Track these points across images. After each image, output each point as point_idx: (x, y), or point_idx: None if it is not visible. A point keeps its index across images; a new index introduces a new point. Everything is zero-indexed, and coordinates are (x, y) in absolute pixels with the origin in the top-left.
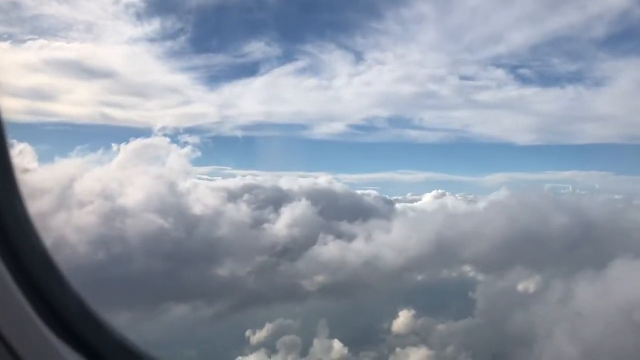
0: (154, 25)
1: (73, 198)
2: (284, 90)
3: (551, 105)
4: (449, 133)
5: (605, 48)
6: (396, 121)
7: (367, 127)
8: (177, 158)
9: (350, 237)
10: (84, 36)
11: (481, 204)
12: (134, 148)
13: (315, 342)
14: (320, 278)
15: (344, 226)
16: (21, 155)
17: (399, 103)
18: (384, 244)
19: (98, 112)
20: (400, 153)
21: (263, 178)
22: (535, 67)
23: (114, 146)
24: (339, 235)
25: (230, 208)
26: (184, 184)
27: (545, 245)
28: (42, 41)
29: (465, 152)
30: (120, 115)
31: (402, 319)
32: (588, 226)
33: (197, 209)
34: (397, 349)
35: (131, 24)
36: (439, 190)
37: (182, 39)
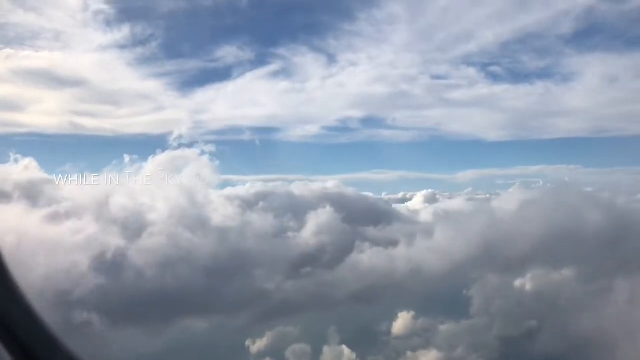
0: (124, 31)
1: (112, 214)
2: (257, 94)
3: (521, 101)
4: (422, 132)
5: (572, 44)
6: (369, 122)
7: (340, 128)
8: (203, 169)
9: (387, 243)
10: (52, 45)
11: (497, 203)
12: (162, 160)
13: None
14: (366, 287)
15: (373, 232)
16: (27, 170)
17: (372, 104)
18: (430, 249)
19: (68, 122)
20: (374, 153)
21: (274, 184)
22: (505, 64)
23: (126, 157)
24: (376, 242)
25: (250, 217)
26: (205, 195)
27: (586, 243)
28: (8, 51)
29: (437, 150)
30: (90, 124)
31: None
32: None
33: (218, 220)
34: None
35: (101, 31)
36: (429, 190)
37: (154, 45)
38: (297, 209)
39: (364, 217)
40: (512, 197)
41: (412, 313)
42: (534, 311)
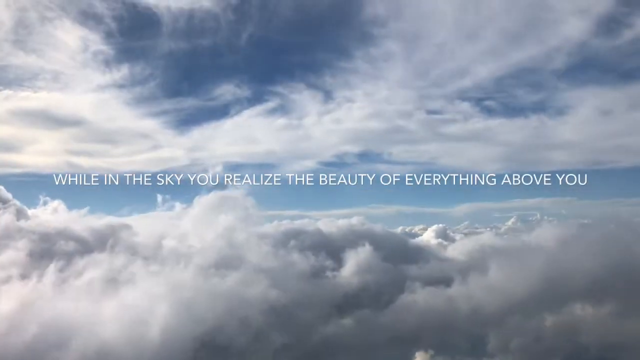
0: (122, 71)
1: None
2: (254, 131)
3: (516, 134)
4: (417, 166)
5: (566, 78)
6: (366, 156)
7: (337, 163)
8: (248, 209)
9: (439, 282)
10: (51, 85)
11: (529, 238)
12: (209, 201)
13: None
14: (423, 328)
15: (416, 270)
16: (56, 212)
17: (368, 139)
18: (485, 286)
19: (64, 161)
20: (370, 188)
21: (301, 222)
22: (500, 98)
23: (159, 197)
24: (427, 281)
25: (285, 257)
26: (249, 234)
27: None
28: (7, 92)
29: (433, 183)
30: (86, 163)
31: None
32: None
33: (255, 259)
34: None
35: (99, 72)
36: (440, 225)
37: (152, 84)
38: (330, 246)
39: (400, 255)
40: (545, 232)
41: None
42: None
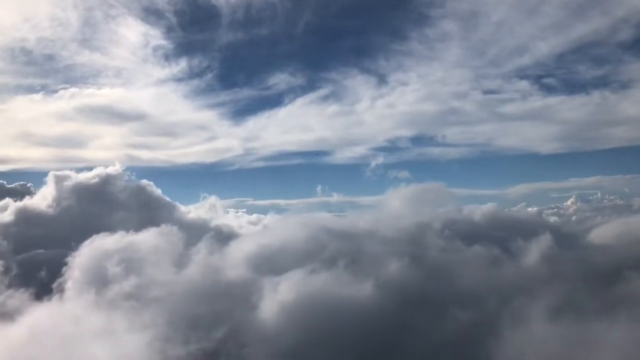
0: (181, 65)
1: None
2: (307, 119)
3: (576, 112)
4: (472, 148)
5: (631, 51)
6: (419, 140)
7: (389, 148)
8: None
9: None
10: (113, 81)
11: None
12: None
13: None
14: None
15: None
16: (213, 208)
17: (422, 122)
18: None
19: (124, 155)
20: (421, 172)
21: (444, 210)
22: (560, 75)
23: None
24: None
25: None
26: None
27: None
28: (73, 89)
29: (488, 165)
30: (145, 156)
31: None
32: None
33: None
34: None
35: (159, 66)
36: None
37: (209, 76)
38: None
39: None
40: None
41: None
42: None
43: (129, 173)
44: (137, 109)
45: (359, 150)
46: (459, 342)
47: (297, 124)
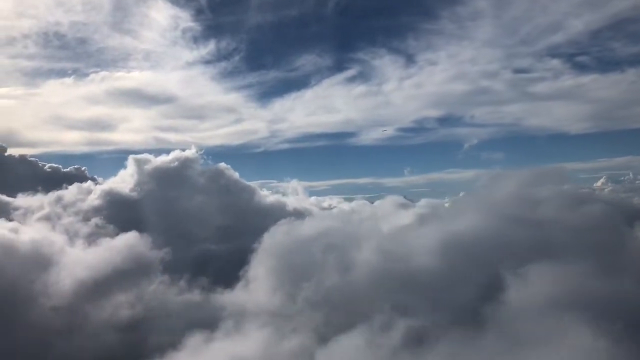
0: (209, 47)
1: None
2: (334, 100)
3: (609, 91)
4: (501, 128)
5: None
6: (446, 121)
7: (416, 129)
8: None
9: None
10: (142, 64)
11: None
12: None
13: None
14: None
15: None
16: (296, 192)
17: (449, 102)
18: None
19: (153, 137)
20: (448, 153)
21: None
22: (594, 53)
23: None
24: None
25: None
26: None
27: None
28: (104, 73)
29: (516, 145)
30: (173, 139)
31: None
32: None
33: None
34: None
35: (188, 49)
36: None
37: (236, 58)
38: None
39: None
40: None
41: None
42: None
43: (204, 157)
44: (166, 91)
45: (386, 132)
46: None
47: (323, 105)
